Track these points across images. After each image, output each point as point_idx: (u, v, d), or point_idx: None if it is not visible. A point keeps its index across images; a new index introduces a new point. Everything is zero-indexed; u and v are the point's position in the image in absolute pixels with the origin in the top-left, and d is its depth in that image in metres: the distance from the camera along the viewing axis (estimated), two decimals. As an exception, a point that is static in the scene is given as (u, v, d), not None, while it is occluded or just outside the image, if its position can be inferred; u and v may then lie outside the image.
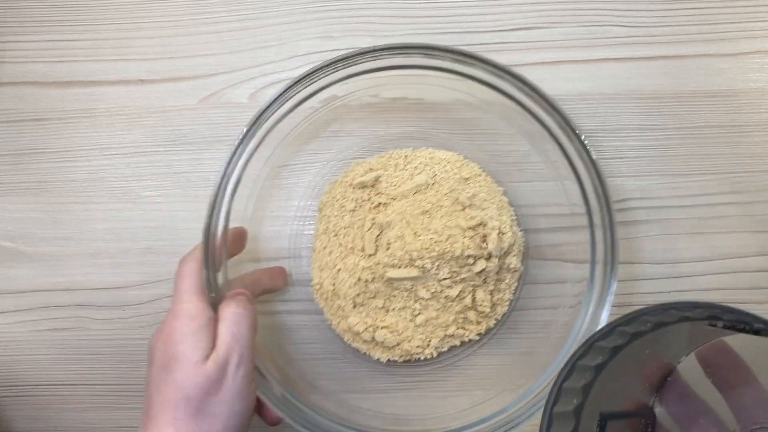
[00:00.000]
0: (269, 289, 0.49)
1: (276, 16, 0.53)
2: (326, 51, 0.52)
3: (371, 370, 0.50)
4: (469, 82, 0.45)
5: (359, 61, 0.44)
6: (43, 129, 0.52)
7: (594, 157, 0.44)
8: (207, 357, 0.38)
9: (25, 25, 0.53)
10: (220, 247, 0.43)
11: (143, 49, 0.52)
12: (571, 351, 0.43)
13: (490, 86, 0.45)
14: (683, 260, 0.51)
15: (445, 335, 0.49)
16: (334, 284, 0.49)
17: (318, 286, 0.50)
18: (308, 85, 0.45)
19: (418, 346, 0.49)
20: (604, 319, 0.44)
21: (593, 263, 0.45)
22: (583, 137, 0.44)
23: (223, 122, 0.52)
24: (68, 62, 0.52)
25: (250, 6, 0.53)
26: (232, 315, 0.40)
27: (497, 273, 0.48)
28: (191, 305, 0.40)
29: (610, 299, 0.44)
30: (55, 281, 0.51)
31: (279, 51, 0.52)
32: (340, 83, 0.45)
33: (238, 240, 0.46)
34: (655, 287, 0.50)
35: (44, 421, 0.51)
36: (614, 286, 0.43)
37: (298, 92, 0.45)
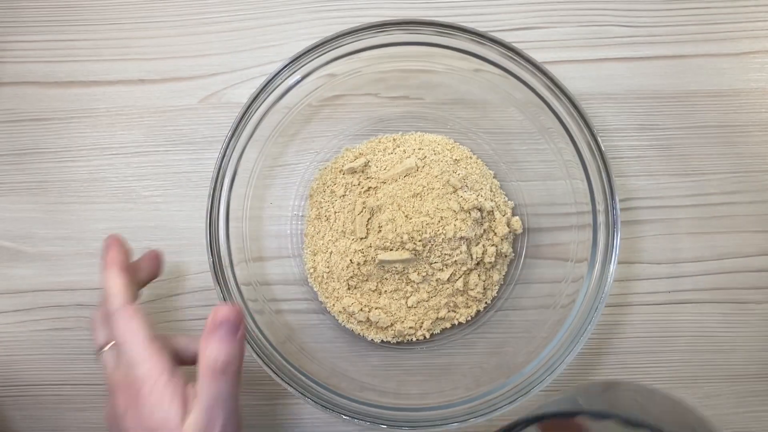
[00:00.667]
0: (150, 278, 0.45)
1: (277, 16, 0.53)
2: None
3: (366, 350, 0.50)
4: (485, 72, 0.46)
5: (346, 42, 0.46)
6: (43, 129, 0.52)
7: (606, 157, 0.44)
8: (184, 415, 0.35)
9: (26, 25, 0.53)
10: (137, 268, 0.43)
11: (144, 49, 0.52)
12: (556, 350, 0.44)
13: (507, 72, 0.46)
14: (684, 260, 0.51)
15: (437, 318, 0.49)
16: (328, 267, 0.49)
17: (312, 270, 0.50)
18: (297, 70, 0.46)
19: (410, 327, 0.49)
20: (596, 318, 0.44)
21: (592, 263, 0.45)
22: (597, 136, 0.44)
23: (224, 122, 0.52)
24: (69, 62, 0.52)
25: (251, 6, 0.53)
26: (209, 367, 0.35)
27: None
28: (151, 363, 0.36)
29: (604, 298, 0.44)
30: (55, 281, 0.51)
31: (280, 51, 0.52)
32: (339, 61, 0.47)
33: (154, 262, 0.45)
34: (656, 287, 0.50)
35: (44, 420, 0.51)
36: (610, 286, 0.44)
37: (289, 77, 0.46)
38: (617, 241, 0.44)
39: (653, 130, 0.51)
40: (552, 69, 0.51)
